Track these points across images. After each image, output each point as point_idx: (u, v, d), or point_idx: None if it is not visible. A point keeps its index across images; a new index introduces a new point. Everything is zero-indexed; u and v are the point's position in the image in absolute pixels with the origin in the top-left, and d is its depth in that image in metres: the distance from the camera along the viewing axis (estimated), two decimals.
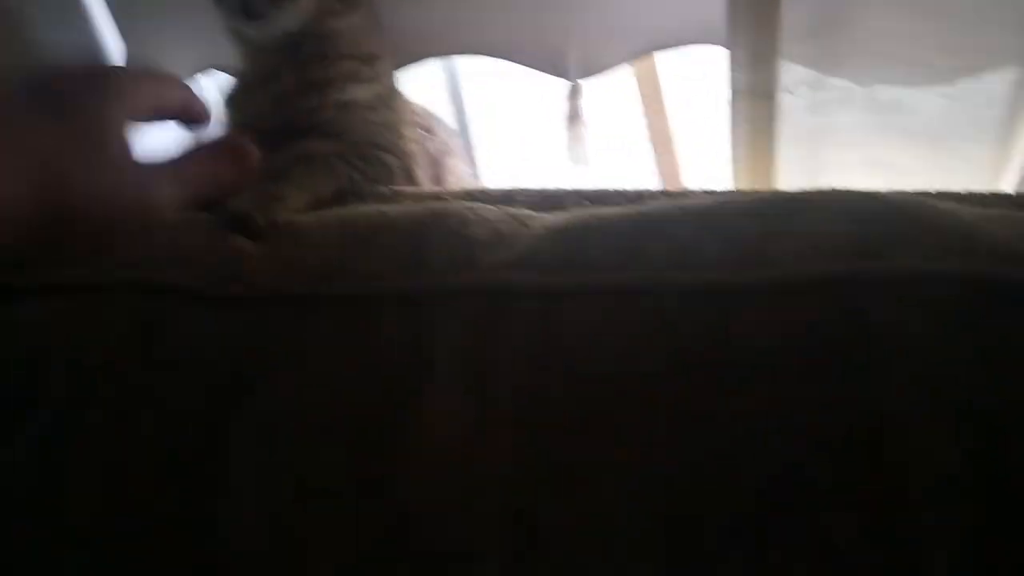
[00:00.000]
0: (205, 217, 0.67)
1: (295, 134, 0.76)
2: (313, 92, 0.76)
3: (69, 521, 0.49)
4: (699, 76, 1.10)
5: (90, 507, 0.49)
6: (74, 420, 0.52)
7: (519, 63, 0.97)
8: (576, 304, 0.49)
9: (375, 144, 0.80)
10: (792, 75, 0.68)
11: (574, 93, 0.98)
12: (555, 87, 0.99)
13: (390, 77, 0.85)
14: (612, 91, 1.04)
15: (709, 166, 1.15)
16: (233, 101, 0.81)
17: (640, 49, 0.95)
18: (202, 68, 1.05)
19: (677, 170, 1.08)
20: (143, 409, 0.51)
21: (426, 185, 0.86)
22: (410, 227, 0.59)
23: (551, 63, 0.96)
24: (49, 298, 0.58)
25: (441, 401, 0.47)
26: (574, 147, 1.00)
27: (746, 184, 0.77)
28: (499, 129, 1.22)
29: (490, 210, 0.61)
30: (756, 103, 0.70)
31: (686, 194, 0.68)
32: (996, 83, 0.66)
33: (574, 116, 0.99)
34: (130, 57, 1.04)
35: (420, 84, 1.03)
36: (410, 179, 0.83)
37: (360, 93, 0.79)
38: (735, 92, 0.72)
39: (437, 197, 0.76)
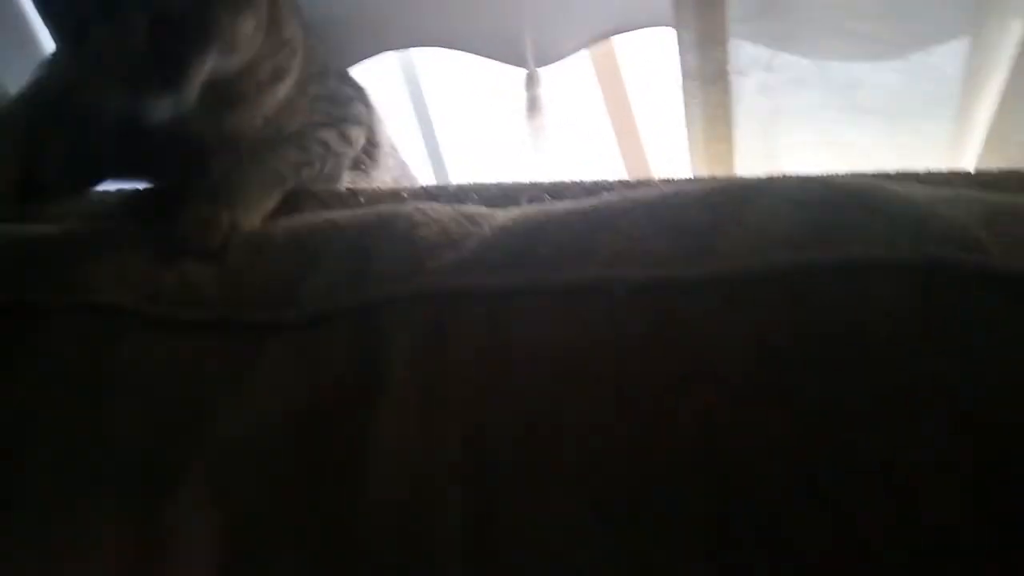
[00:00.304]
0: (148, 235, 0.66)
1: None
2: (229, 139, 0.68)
3: None
4: (659, 59, 1.09)
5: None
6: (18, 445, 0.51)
7: (475, 53, 0.96)
8: (525, 304, 0.48)
9: (311, 124, 0.75)
10: (743, 55, 0.67)
11: (531, 81, 0.96)
12: (514, 76, 0.97)
13: (298, 49, 0.74)
14: (572, 78, 1.03)
15: (674, 151, 1.14)
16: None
17: (596, 34, 0.93)
18: None
19: (643, 156, 1.07)
20: (90, 446, 0.50)
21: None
22: (357, 236, 0.58)
23: (507, 52, 0.94)
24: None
25: (393, 416, 0.46)
26: (535, 136, 0.99)
27: (704, 170, 0.76)
28: (460, 121, 1.20)
29: (441, 210, 0.60)
30: (708, 86, 0.69)
31: (641, 185, 0.67)
32: (948, 56, 0.65)
33: (533, 105, 0.97)
34: None
35: (376, 78, 1.01)
36: (348, 140, 0.78)
37: (280, 93, 0.71)
38: (686, 75, 0.71)
39: (395, 195, 0.75)
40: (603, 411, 0.44)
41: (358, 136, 0.80)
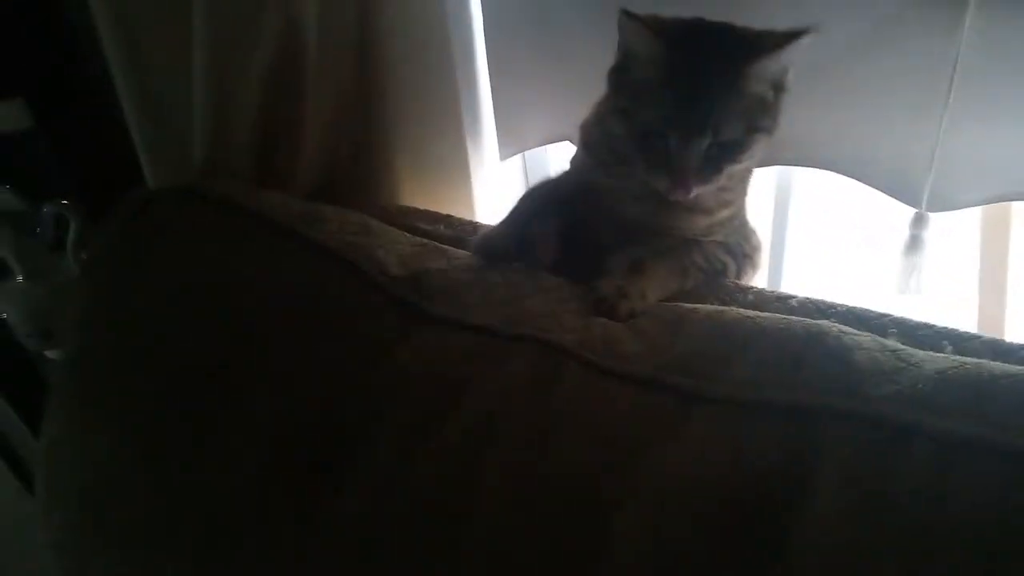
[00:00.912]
0: (573, 289, 0.76)
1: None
2: (684, 216, 0.81)
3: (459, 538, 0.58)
4: None
5: (483, 529, 0.57)
6: (474, 449, 0.61)
7: (870, 184, 0.99)
8: (972, 457, 0.50)
9: (723, 246, 0.86)
10: None
11: (919, 221, 0.97)
12: (892, 210, 0.99)
13: (748, 188, 0.89)
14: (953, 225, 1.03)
15: None
16: (592, 149, 0.85)
17: (999, 195, 0.93)
18: (556, 139, 1.15)
19: (1001, 320, 1.04)
20: (542, 456, 0.58)
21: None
22: (785, 341, 0.63)
23: (902, 190, 0.97)
24: (463, 332, 0.69)
25: (822, 524, 0.50)
26: (906, 276, 0.99)
27: None
28: (816, 241, 1.23)
29: (861, 336, 0.64)
30: None
31: None
32: None
33: (914, 245, 0.98)
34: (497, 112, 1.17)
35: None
36: (739, 276, 0.88)
37: (721, 216, 0.84)
38: None
39: (780, 299, 0.80)
40: None
41: (752, 270, 0.89)
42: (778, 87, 0.75)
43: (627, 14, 0.71)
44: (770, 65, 0.71)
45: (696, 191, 0.74)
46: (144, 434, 0.72)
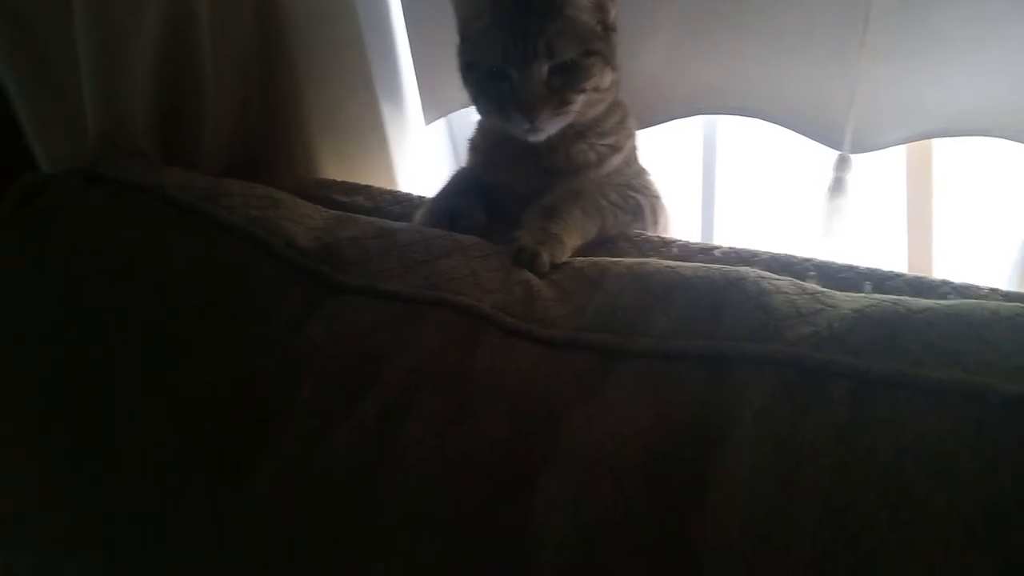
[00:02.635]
0: (493, 246, 0.75)
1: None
2: (571, 170, 0.83)
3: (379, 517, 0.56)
4: (971, 164, 1.06)
5: (400, 506, 0.55)
6: (392, 423, 0.59)
7: (793, 130, 0.98)
8: (889, 392, 0.50)
9: (629, 186, 0.86)
10: None
11: (842, 164, 0.97)
12: (816, 154, 0.99)
13: (633, 130, 0.90)
14: (877, 166, 1.03)
15: (963, 257, 1.10)
16: (483, 155, 0.89)
17: (920, 133, 0.93)
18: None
19: (929, 257, 1.05)
20: (461, 426, 0.56)
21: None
22: (706, 289, 0.62)
23: (825, 133, 0.96)
24: (376, 301, 0.66)
25: (740, 469, 0.49)
26: (830, 219, 0.99)
27: None
28: (746, 189, 1.22)
29: (781, 281, 0.63)
30: None
31: (978, 292, 0.67)
32: None
33: (838, 186, 0.98)
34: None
35: (670, 133, 1.06)
36: (656, 218, 0.88)
37: (614, 162, 0.86)
38: None
39: (706, 251, 0.79)
40: (968, 515, 0.44)
41: (663, 218, 0.90)
42: (606, 24, 0.80)
43: None
44: None
45: (549, 124, 0.77)
46: (37, 430, 0.68)
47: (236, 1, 0.87)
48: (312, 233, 0.74)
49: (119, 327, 0.70)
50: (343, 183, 0.97)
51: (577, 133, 0.82)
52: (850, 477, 0.47)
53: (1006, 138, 0.89)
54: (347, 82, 0.97)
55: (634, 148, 0.91)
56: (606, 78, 0.80)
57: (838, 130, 0.94)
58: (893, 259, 1.10)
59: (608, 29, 0.80)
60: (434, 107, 1.16)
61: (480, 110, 0.84)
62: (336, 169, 1.03)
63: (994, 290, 0.68)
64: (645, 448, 0.53)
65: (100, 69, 0.82)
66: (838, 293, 0.62)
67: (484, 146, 0.88)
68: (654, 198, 0.89)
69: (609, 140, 0.85)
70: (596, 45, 0.78)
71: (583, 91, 0.77)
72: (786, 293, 0.60)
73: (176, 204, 0.74)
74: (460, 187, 0.88)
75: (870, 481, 0.46)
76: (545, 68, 0.75)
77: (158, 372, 0.67)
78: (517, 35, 0.75)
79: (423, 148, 1.16)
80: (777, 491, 0.48)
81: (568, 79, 0.76)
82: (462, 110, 1.19)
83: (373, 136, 1.03)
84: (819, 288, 0.62)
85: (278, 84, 0.94)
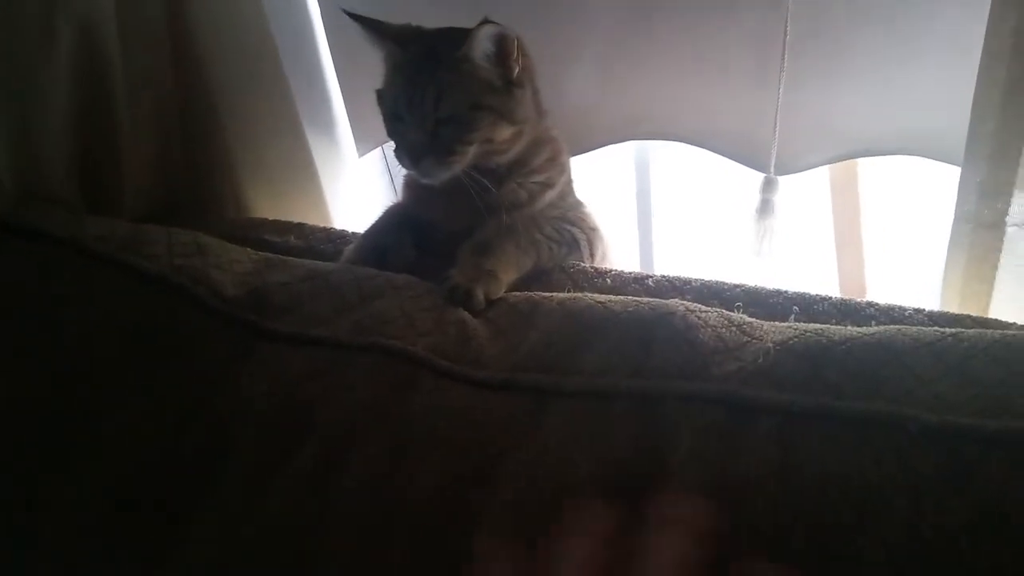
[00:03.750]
0: (427, 285, 0.74)
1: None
2: (503, 207, 0.82)
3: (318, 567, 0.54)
4: (895, 182, 1.09)
5: (338, 558, 0.54)
6: (327, 475, 0.57)
7: (719, 153, 1.00)
8: (814, 426, 0.50)
9: (564, 219, 0.87)
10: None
11: (768, 186, 0.99)
12: (745, 176, 1.01)
13: (567, 165, 0.91)
14: (802, 186, 1.05)
15: (892, 273, 1.14)
16: (416, 192, 0.89)
17: (843, 154, 0.96)
18: None
19: (861, 274, 1.08)
20: (396, 474, 0.55)
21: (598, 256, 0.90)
22: (635, 324, 0.62)
23: (751, 157, 0.98)
24: (306, 348, 0.65)
25: (678, 500, 0.49)
26: (760, 239, 1.01)
27: (955, 305, 0.76)
28: (679, 213, 1.24)
29: (709, 313, 0.64)
30: (980, 231, 0.70)
31: (903, 313, 0.69)
32: None
33: (765, 208, 1.00)
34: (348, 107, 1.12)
35: (604, 160, 1.08)
36: (592, 250, 0.89)
37: (547, 197, 0.86)
38: (959, 218, 0.72)
39: (638, 280, 0.80)
40: (897, 545, 0.45)
41: (600, 248, 0.91)
42: (509, 79, 0.80)
43: (350, 15, 0.81)
44: (470, 50, 0.77)
45: (434, 170, 0.79)
46: None
47: (150, 45, 0.85)
48: (240, 279, 0.73)
49: (41, 382, 0.68)
50: (275, 222, 0.96)
51: (504, 174, 0.83)
52: (782, 515, 0.47)
53: (923, 156, 0.92)
54: (272, 121, 0.96)
55: (569, 182, 0.92)
56: (500, 131, 0.81)
57: (763, 153, 0.97)
58: (825, 276, 1.13)
59: (513, 84, 0.81)
60: (366, 139, 1.15)
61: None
62: (267, 207, 1.02)
63: (918, 310, 0.70)
64: (586, 488, 0.52)
65: (11, 118, 0.79)
66: (764, 323, 0.62)
67: (416, 183, 0.88)
68: (591, 230, 0.90)
69: (540, 178, 0.86)
70: (488, 100, 0.79)
71: (470, 143, 0.79)
72: (713, 327, 0.61)
73: (96, 255, 0.72)
74: (390, 223, 0.88)
75: (800, 517, 0.47)
76: (432, 119, 0.77)
77: (85, 425, 0.65)
78: (410, 83, 0.78)
79: (356, 182, 1.15)
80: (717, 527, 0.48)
81: (454, 131, 0.78)
82: None
83: (303, 173, 1.02)
84: (746, 319, 0.63)
85: (200, 125, 0.92)
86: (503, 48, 0.78)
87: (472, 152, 0.79)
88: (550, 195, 0.86)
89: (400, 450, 0.57)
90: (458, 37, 0.79)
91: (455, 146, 0.78)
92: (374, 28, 0.81)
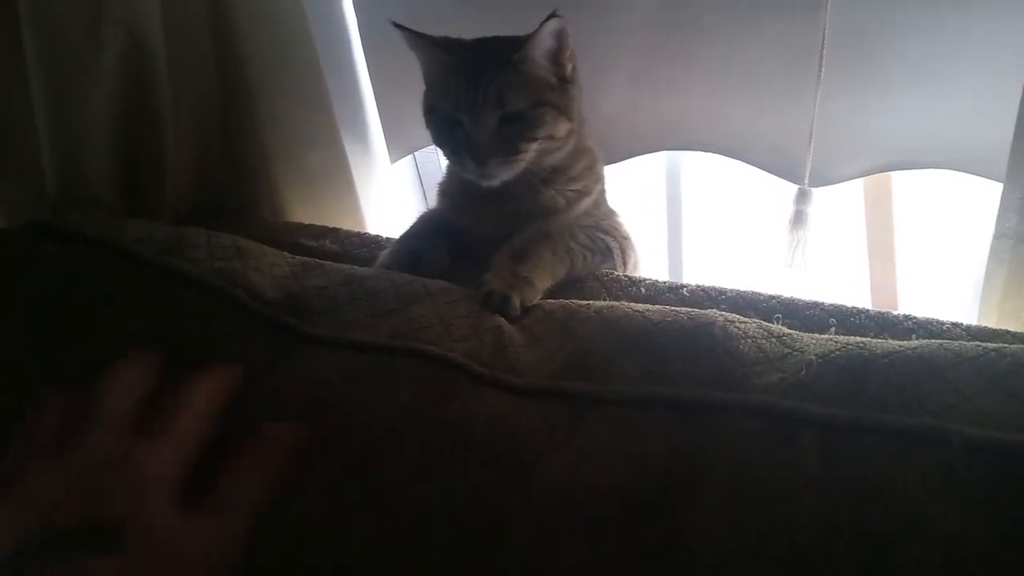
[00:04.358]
0: (462, 290, 0.74)
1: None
2: (540, 214, 0.84)
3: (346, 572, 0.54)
4: (928, 195, 1.08)
5: (372, 560, 0.54)
6: (358, 477, 0.58)
7: (753, 165, 1.00)
8: (857, 439, 0.50)
9: (598, 228, 0.88)
10: None
11: (802, 197, 0.99)
12: (779, 188, 1.00)
13: (602, 174, 0.93)
14: (835, 198, 1.05)
15: (925, 286, 1.13)
16: (452, 199, 0.90)
17: (878, 167, 0.95)
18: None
19: (893, 287, 1.07)
20: (431, 478, 0.56)
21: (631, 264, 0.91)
22: (674, 334, 0.63)
23: (785, 168, 0.98)
24: (344, 352, 0.65)
25: (717, 515, 0.49)
26: (793, 251, 1.01)
27: (993, 320, 0.76)
28: (709, 222, 1.24)
29: (748, 324, 0.64)
30: (1020, 248, 0.69)
31: (941, 327, 0.68)
32: None
33: (799, 219, 1.00)
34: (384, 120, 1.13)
35: (635, 168, 1.08)
36: (625, 259, 0.89)
37: (583, 205, 0.88)
38: (1000, 234, 0.72)
39: (672, 289, 0.80)
40: (935, 560, 0.45)
41: (632, 257, 0.92)
42: (562, 77, 0.82)
43: (397, 26, 0.81)
44: (533, 47, 0.79)
45: (499, 170, 0.79)
46: None
47: (196, 48, 0.86)
48: (279, 282, 0.74)
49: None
50: (310, 226, 0.97)
51: (543, 180, 0.84)
52: (821, 528, 0.47)
53: (958, 170, 0.92)
54: (310, 125, 0.97)
55: (603, 191, 0.93)
56: (560, 127, 0.82)
57: (798, 165, 0.96)
58: (857, 288, 1.12)
59: (565, 81, 0.83)
60: (399, 145, 1.16)
61: (444, 154, 0.85)
62: (303, 211, 1.03)
63: (956, 324, 0.70)
64: (620, 499, 0.53)
65: (56, 121, 0.81)
66: (804, 335, 0.62)
67: (453, 190, 0.89)
68: (623, 239, 0.90)
69: (577, 185, 0.87)
70: (548, 96, 0.81)
71: (535, 140, 0.80)
72: (753, 338, 0.61)
73: (137, 258, 0.73)
74: (425, 229, 0.89)
75: (840, 531, 0.46)
76: (495, 117, 0.78)
77: None
78: (470, 84, 0.78)
79: (390, 188, 1.16)
80: (753, 543, 0.48)
81: (519, 128, 0.79)
82: (428, 148, 1.20)
83: (339, 178, 1.03)
84: (785, 331, 0.63)
85: (241, 129, 0.93)
86: (561, 44, 0.80)
87: (535, 149, 0.80)
88: (586, 203, 0.87)
89: (436, 454, 0.57)
90: (508, 40, 0.80)
91: (520, 144, 0.79)
92: (421, 37, 0.82)
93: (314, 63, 0.95)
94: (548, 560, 0.51)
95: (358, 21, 1.09)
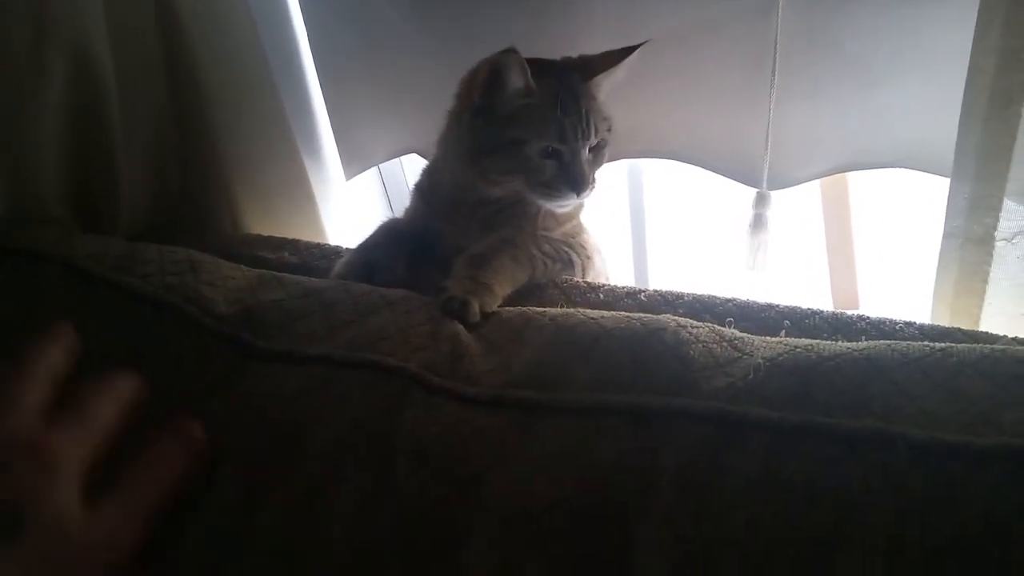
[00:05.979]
0: (422, 299, 0.74)
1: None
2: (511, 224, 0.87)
3: None
4: (885, 194, 1.10)
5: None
6: (321, 498, 0.57)
7: (711, 170, 1.00)
8: (801, 443, 0.50)
9: (564, 241, 0.89)
10: (1013, 223, 0.68)
11: (761, 200, 1.00)
12: (739, 192, 1.01)
13: None
14: (793, 199, 1.06)
15: (884, 284, 1.14)
16: (428, 199, 0.91)
17: (834, 168, 0.96)
18: (400, 153, 1.12)
19: (853, 286, 1.08)
20: (387, 492, 0.55)
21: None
22: (626, 340, 0.63)
23: (743, 173, 0.99)
24: (299, 367, 0.65)
25: (663, 524, 0.50)
26: (753, 253, 1.02)
27: (946, 319, 0.76)
28: (672, 228, 1.25)
29: (700, 328, 0.64)
30: (969, 245, 0.70)
31: (894, 327, 0.69)
32: None
33: (758, 222, 1.01)
34: (337, 134, 1.12)
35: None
36: (584, 274, 0.90)
37: (566, 228, 0.91)
38: (948, 233, 0.73)
39: (631, 295, 0.80)
40: (876, 564, 0.45)
41: (592, 270, 0.93)
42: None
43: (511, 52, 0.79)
44: (613, 76, 0.85)
45: (587, 195, 0.84)
46: None
47: (147, 71, 0.86)
48: (233, 296, 0.73)
49: None
50: (270, 238, 0.96)
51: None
52: (767, 534, 0.47)
53: (913, 168, 0.93)
54: (267, 140, 0.97)
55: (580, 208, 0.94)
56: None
57: (755, 169, 0.97)
58: (818, 288, 1.14)
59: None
60: (354, 163, 1.16)
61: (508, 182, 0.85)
62: (263, 224, 1.02)
63: (909, 323, 0.70)
64: (572, 509, 0.52)
65: (3, 144, 0.80)
66: (755, 338, 0.63)
67: (430, 193, 0.89)
68: (586, 257, 0.90)
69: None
70: (609, 123, 0.87)
71: (604, 161, 0.87)
72: (704, 342, 0.61)
73: (88, 275, 0.72)
74: (383, 239, 0.89)
75: (788, 538, 0.47)
76: (588, 145, 0.84)
77: None
78: (566, 114, 0.81)
79: (350, 198, 1.16)
80: (703, 553, 0.48)
81: (597, 154, 0.86)
82: (383, 163, 1.19)
83: (298, 190, 1.02)
84: (737, 334, 0.63)
85: (196, 145, 0.92)
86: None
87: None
88: (568, 226, 0.91)
89: (390, 469, 0.57)
90: (568, 66, 0.86)
91: (597, 168, 0.86)
92: (525, 68, 0.80)
93: (269, 82, 0.94)
94: (503, 573, 0.51)
95: (310, 41, 1.08)
